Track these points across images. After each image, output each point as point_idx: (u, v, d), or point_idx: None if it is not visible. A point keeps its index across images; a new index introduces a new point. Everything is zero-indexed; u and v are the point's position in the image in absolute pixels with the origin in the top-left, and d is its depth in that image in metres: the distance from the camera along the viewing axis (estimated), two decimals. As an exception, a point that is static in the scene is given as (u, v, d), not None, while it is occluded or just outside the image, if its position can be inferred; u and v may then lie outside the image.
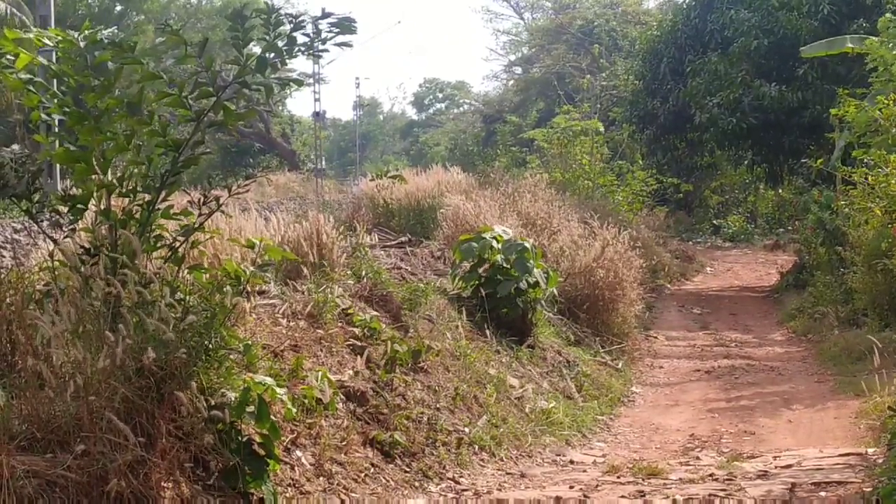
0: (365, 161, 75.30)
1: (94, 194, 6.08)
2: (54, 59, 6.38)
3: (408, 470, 7.45)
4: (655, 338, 16.45)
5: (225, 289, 5.96)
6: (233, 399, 5.67)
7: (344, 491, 6.59)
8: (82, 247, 6.00)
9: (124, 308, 5.47)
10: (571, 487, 7.53)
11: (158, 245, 6.10)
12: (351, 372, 8.00)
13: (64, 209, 6.22)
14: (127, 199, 6.04)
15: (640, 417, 11.07)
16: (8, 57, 6.02)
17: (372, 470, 7.11)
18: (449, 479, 7.63)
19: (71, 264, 5.88)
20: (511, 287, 11.48)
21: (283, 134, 52.68)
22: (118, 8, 46.85)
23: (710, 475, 7.83)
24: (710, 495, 7.03)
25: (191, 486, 5.43)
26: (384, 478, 7.14)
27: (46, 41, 6.01)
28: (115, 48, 5.93)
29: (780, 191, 27.37)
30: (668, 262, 24.18)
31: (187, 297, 5.82)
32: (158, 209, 6.09)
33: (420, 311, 10.15)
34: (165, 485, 5.26)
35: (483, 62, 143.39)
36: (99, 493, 5.00)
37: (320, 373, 7.10)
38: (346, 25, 6.23)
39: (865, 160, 14.23)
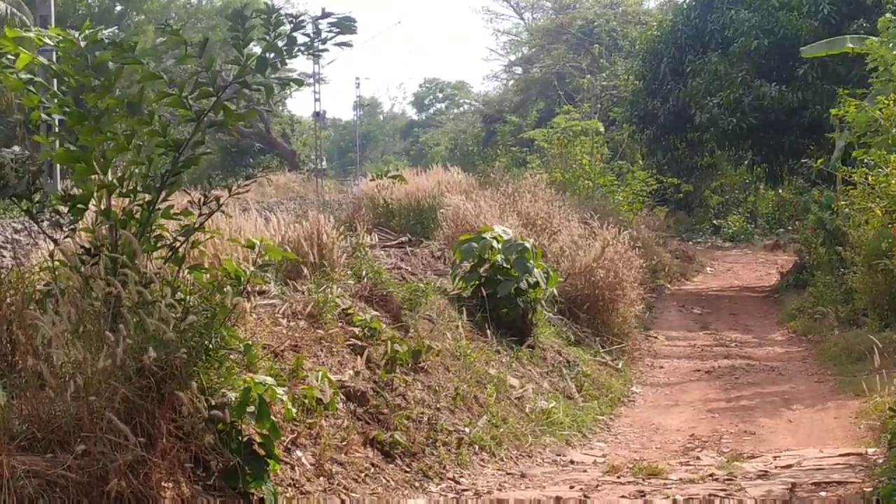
0: (365, 161, 75.33)
1: (95, 194, 6.08)
2: (54, 59, 6.38)
3: (408, 470, 7.45)
4: (655, 338, 16.45)
5: (225, 289, 5.96)
6: (233, 399, 5.67)
7: (344, 491, 6.59)
8: (82, 247, 6.00)
9: (125, 308, 5.47)
10: (572, 487, 7.53)
11: (159, 245, 6.10)
12: (351, 372, 8.00)
13: (64, 209, 6.22)
14: (127, 199, 6.04)
15: (641, 417, 11.08)
16: (8, 56, 6.02)
17: (372, 470, 7.11)
18: (449, 479, 7.63)
19: (71, 264, 5.88)
20: (511, 287, 11.48)
21: (283, 134, 52.71)
22: (118, 8, 46.87)
23: (711, 475, 7.83)
24: (710, 495, 7.03)
25: (191, 486, 5.43)
26: (384, 478, 7.14)
27: (47, 41, 6.01)
28: (115, 48, 5.93)
29: (781, 191, 27.39)
30: (668, 262, 24.18)
31: (188, 297, 5.82)
32: (159, 209, 6.09)
33: (420, 311, 10.16)
34: (166, 485, 5.26)
35: (483, 62, 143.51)
36: (99, 493, 5.00)
37: (320, 373, 7.11)
38: (346, 25, 6.23)
39: (865, 160, 14.23)
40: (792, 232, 24.84)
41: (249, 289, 6.30)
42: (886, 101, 13.93)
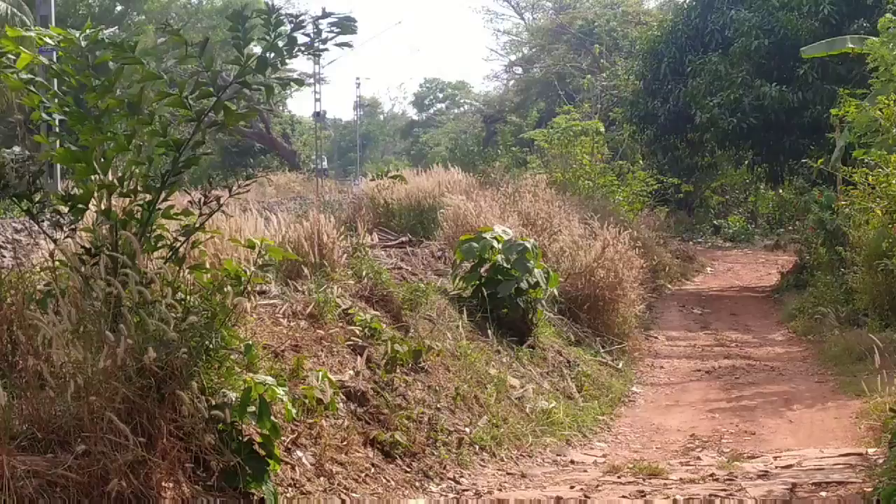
0: (365, 161, 75.39)
1: (95, 194, 6.08)
2: (55, 59, 6.38)
3: (408, 470, 7.45)
4: (656, 338, 16.46)
5: (226, 289, 5.96)
6: (233, 399, 5.67)
7: (344, 491, 6.59)
8: (83, 247, 6.00)
9: (125, 308, 5.47)
10: (572, 487, 7.53)
11: (159, 245, 6.09)
12: (351, 372, 8.00)
13: (64, 209, 6.22)
14: (127, 199, 6.04)
15: (641, 417, 11.08)
16: (9, 56, 6.02)
17: (372, 470, 7.11)
18: (449, 479, 7.63)
19: (71, 264, 5.89)
20: (512, 287, 11.48)
21: (283, 134, 52.75)
22: (118, 8, 46.89)
23: (711, 475, 7.84)
24: (710, 495, 7.04)
25: (191, 486, 5.44)
26: (385, 478, 7.14)
27: (48, 40, 6.01)
28: (115, 48, 5.93)
29: (781, 191, 27.38)
30: (668, 263, 24.18)
31: (188, 297, 5.82)
32: (159, 209, 6.09)
33: (421, 311, 10.15)
34: (166, 485, 5.26)
35: (483, 62, 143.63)
36: (99, 493, 5.00)
37: (321, 373, 7.11)
38: (346, 25, 6.23)
39: (866, 160, 14.25)
40: (792, 232, 24.85)
41: (250, 289, 6.28)
42: (887, 101, 13.95)
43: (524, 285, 11.59)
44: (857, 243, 14.88)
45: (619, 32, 43.38)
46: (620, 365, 13.18)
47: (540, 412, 9.83)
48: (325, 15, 6.20)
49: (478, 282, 11.67)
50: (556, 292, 12.72)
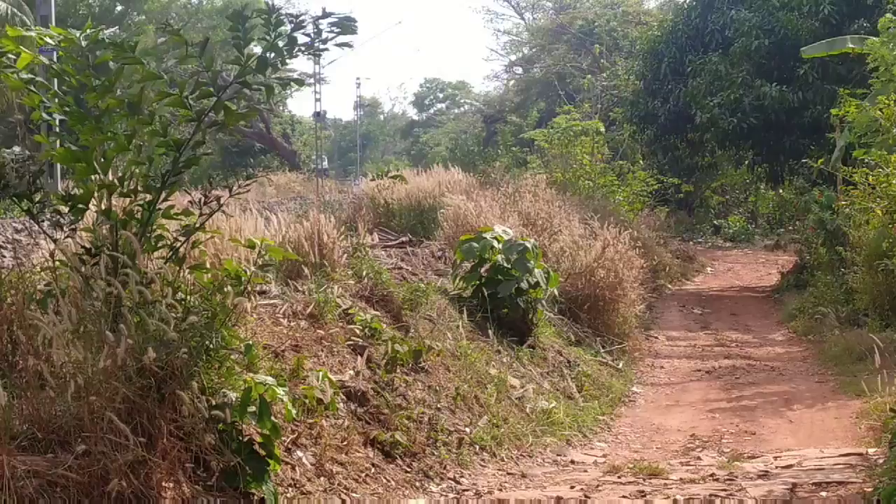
0: (365, 161, 75.40)
1: (95, 194, 6.08)
2: (55, 59, 6.38)
3: (409, 470, 7.45)
4: (656, 338, 16.46)
5: (226, 289, 5.96)
6: (234, 399, 5.67)
7: (345, 491, 6.59)
8: (83, 247, 6.00)
9: (125, 308, 5.47)
10: (572, 487, 7.53)
11: (159, 245, 6.09)
12: (352, 372, 8.00)
13: (65, 209, 6.22)
14: (128, 199, 6.04)
15: (641, 417, 11.07)
16: (9, 56, 6.02)
17: (373, 470, 7.11)
18: (450, 479, 7.63)
19: (72, 264, 5.88)
20: (512, 287, 11.47)
21: (283, 134, 52.76)
22: (118, 8, 46.89)
23: (711, 475, 7.84)
24: (711, 495, 7.04)
25: (191, 486, 5.44)
26: (385, 478, 7.14)
27: (48, 40, 6.01)
28: (116, 48, 5.93)
29: (781, 191, 27.39)
30: (668, 263, 24.18)
31: (188, 297, 5.82)
32: (159, 209, 6.08)
33: (421, 311, 10.15)
34: (166, 485, 5.26)
35: (484, 62, 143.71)
36: (100, 493, 5.00)
37: (321, 373, 7.10)
38: (346, 25, 6.22)
39: (866, 160, 14.25)
40: (792, 232, 24.84)
41: (250, 289, 6.28)
42: (887, 101, 13.94)
43: (524, 285, 11.59)
44: (857, 243, 14.88)
45: (619, 32, 43.38)
46: (621, 365, 13.18)
47: (540, 412, 9.83)
48: (326, 15, 6.20)
49: (478, 282, 11.67)
50: (556, 292, 12.72)
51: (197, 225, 6.15)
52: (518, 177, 22.15)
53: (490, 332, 11.11)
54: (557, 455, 9.01)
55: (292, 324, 8.10)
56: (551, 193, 18.68)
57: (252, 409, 5.72)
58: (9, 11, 26.69)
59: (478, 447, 8.39)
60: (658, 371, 13.89)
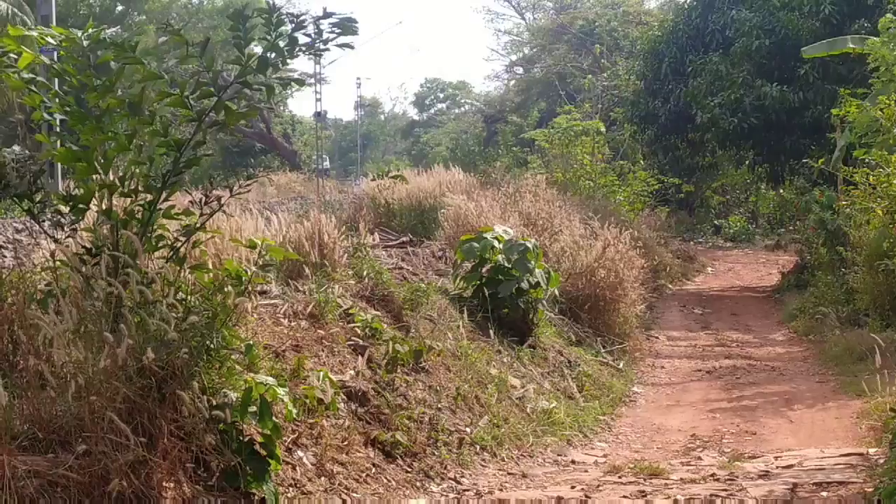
0: (366, 161, 75.39)
1: (96, 194, 6.08)
2: (56, 59, 6.38)
3: (409, 470, 7.45)
4: (657, 338, 16.46)
5: (227, 289, 5.96)
6: (234, 399, 5.67)
7: (345, 491, 6.59)
8: (84, 247, 6.00)
9: (126, 308, 5.47)
10: (573, 487, 7.53)
11: (160, 245, 6.09)
12: (352, 372, 8.00)
13: (65, 209, 6.22)
14: (128, 199, 6.04)
15: (642, 417, 11.07)
16: (10, 56, 6.02)
17: (373, 470, 7.11)
18: (450, 479, 7.63)
19: (72, 264, 5.88)
20: (512, 287, 11.47)
21: (284, 134, 52.75)
22: (119, 8, 46.91)
23: (712, 475, 7.83)
24: (711, 495, 7.04)
25: (192, 486, 5.44)
26: (385, 478, 7.14)
27: (50, 40, 6.01)
28: (116, 48, 5.93)
29: (782, 191, 27.36)
30: (669, 263, 24.17)
31: (189, 297, 5.83)
32: (160, 209, 6.09)
33: (421, 311, 10.15)
34: (167, 485, 5.26)
35: (484, 62, 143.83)
36: (100, 493, 5.00)
37: (322, 373, 7.10)
38: (347, 26, 6.23)
39: (867, 160, 14.24)
40: (793, 232, 24.83)
41: (251, 289, 6.29)
42: (887, 101, 13.94)
43: (525, 285, 11.59)
44: (857, 243, 14.88)
45: (619, 32, 43.39)
46: (621, 365, 13.18)
47: (541, 412, 9.83)
48: (327, 15, 6.20)
49: (479, 282, 11.67)
50: (556, 292, 12.72)
51: (197, 225, 6.16)
52: (519, 177, 22.15)
53: (491, 332, 11.11)
54: (558, 455, 9.01)
55: (293, 324, 8.10)
56: (552, 193, 18.67)
57: (253, 409, 5.72)
58: (9, 11, 26.69)
59: (478, 447, 8.39)
60: (659, 371, 13.89)
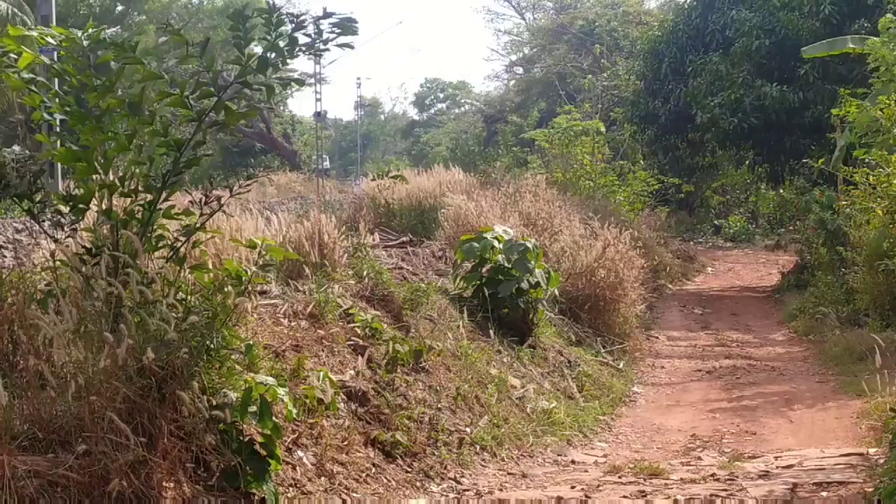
0: (366, 161, 75.40)
1: (96, 194, 6.08)
2: (56, 59, 6.38)
3: (409, 470, 7.45)
4: (657, 338, 16.45)
5: (227, 289, 5.96)
6: (234, 399, 5.67)
7: (345, 491, 6.59)
8: (84, 247, 6.00)
9: (126, 308, 5.47)
10: (573, 487, 7.53)
11: (160, 245, 6.09)
12: (352, 372, 8.00)
13: (65, 209, 6.22)
14: (128, 199, 6.04)
15: (642, 417, 11.07)
16: (10, 56, 6.02)
17: (373, 470, 7.11)
18: (450, 479, 7.63)
19: (72, 264, 5.88)
20: (512, 287, 11.47)
21: (284, 134, 52.75)
22: (119, 8, 46.91)
23: (712, 475, 7.83)
24: (711, 495, 7.04)
25: (192, 486, 5.44)
26: (385, 478, 7.14)
27: (50, 40, 6.01)
28: (116, 48, 5.93)
29: (782, 191, 27.38)
30: (669, 263, 24.18)
31: (189, 297, 5.83)
32: (160, 209, 6.09)
33: (421, 311, 10.15)
34: (167, 485, 5.26)
35: (484, 62, 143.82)
36: (100, 492, 5.00)
37: (322, 373, 7.11)
38: (347, 26, 6.22)
39: (867, 160, 14.24)
40: (793, 232, 24.84)
41: (251, 289, 6.29)
42: (887, 101, 13.94)
43: (525, 285, 11.59)
44: (857, 243, 14.88)
45: (619, 32, 43.39)
46: (621, 365, 13.18)
47: (541, 412, 9.83)
48: (327, 15, 6.20)
49: (479, 282, 11.67)
50: (556, 292, 12.72)
51: (197, 225, 6.16)
52: (519, 177, 22.16)
53: (491, 332, 11.11)
54: (558, 455, 9.01)
55: (293, 324, 8.10)
56: (552, 193, 18.68)
57: (253, 409, 5.72)
58: (9, 11, 26.70)
59: (478, 447, 8.39)
60: (659, 371, 13.89)
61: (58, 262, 6.07)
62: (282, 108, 54.01)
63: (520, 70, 57.52)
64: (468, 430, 8.52)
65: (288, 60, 6.19)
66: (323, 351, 8.05)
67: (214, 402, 5.60)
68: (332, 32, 6.21)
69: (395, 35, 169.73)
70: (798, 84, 21.79)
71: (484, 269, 11.70)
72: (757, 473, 7.81)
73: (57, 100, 6.08)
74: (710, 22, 24.40)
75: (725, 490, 7.26)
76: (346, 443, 7.05)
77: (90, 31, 5.98)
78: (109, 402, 5.18)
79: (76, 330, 5.40)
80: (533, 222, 15.22)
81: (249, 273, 6.18)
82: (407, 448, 7.59)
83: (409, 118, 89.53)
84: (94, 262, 5.77)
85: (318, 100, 41.81)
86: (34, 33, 6.09)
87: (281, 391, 5.90)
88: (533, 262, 11.59)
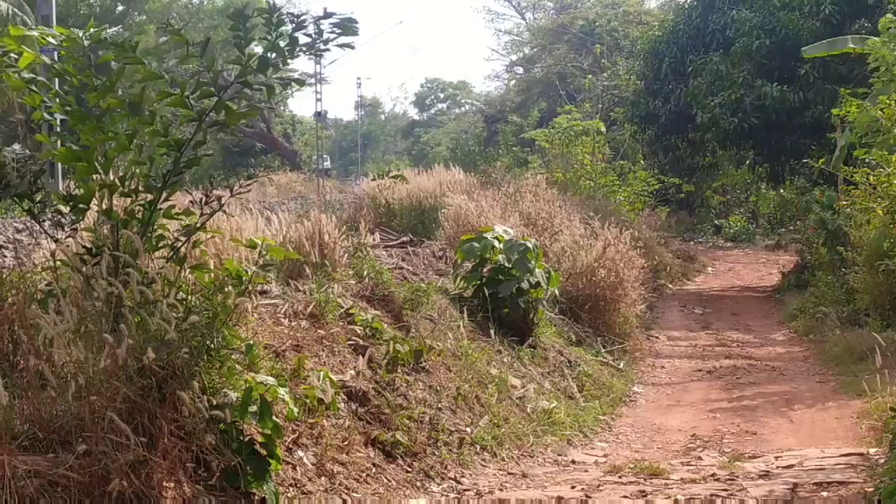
0: (366, 161, 75.42)
1: (96, 194, 6.08)
2: (56, 59, 6.38)
3: (409, 470, 7.45)
4: (657, 338, 16.45)
5: (227, 289, 5.96)
6: (234, 399, 5.67)
7: (346, 491, 6.59)
8: (84, 246, 6.00)
9: (126, 308, 5.47)
10: (573, 487, 7.53)
11: (160, 245, 6.10)
12: (353, 372, 8.00)
13: (66, 209, 6.22)
14: (129, 199, 6.04)
15: (642, 417, 11.07)
16: (10, 56, 6.02)
17: (374, 470, 7.11)
18: (451, 478, 7.63)
19: (73, 264, 5.88)
20: (513, 287, 11.48)
21: (284, 134, 52.77)
22: (119, 8, 46.92)
23: (712, 475, 7.83)
24: (711, 495, 7.04)
25: (192, 485, 5.44)
26: (386, 478, 7.14)
27: (51, 40, 6.01)
28: (117, 48, 5.94)
29: (782, 191, 27.38)
30: (669, 262, 24.18)
31: (189, 297, 5.83)
32: (160, 209, 6.09)
33: (422, 311, 10.15)
34: (167, 484, 5.26)
35: (485, 62, 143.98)
36: (101, 492, 5.00)
37: (322, 373, 7.11)
38: (347, 26, 6.22)
39: (867, 160, 14.24)
40: (793, 232, 24.83)
41: (251, 288, 6.29)
42: (888, 101, 13.93)
43: (525, 285, 11.59)
44: (858, 243, 14.88)
45: (620, 32, 43.39)
46: (621, 365, 13.18)
47: (541, 412, 9.83)
48: (327, 15, 6.20)
49: (479, 282, 11.67)
50: (556, 292, 12.72)
51: (198, 225, 6.16)
52: (519, 177, 22.17)
53: (491, 331, 11.11)
54: (558, 455, 9.01)
55: (293, 323, 8.10)
56: (552, 193, 18.68)
57: (253, 408, 5.72)
58: (9, 11, 26.71)
59: (479, 447, 8.39)
60: (659, 371, 13.89)
61: (58, 262, 6.07)
62: (282, 108, 54.03)
63: (520, 70, 57.55)
64: (468, 429, 8.52)
65: (288, 60, 6.19)
66: (323, 351, 8.05)
67: (215, 402, 5.60)
68: (333, 32, 6.21)
69: (396, 35, 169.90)
70: (798, 84, 21.79)
71: (484, 269, 11.70)
72: (757, 473, 7.81)
73: (57, 100, 6.08)
74: (711, 22, 24.40)
75: (726, 490, 7.26)
76: (346, 443, 7.05)
77: (91, 30, 5.99)
78: (110, 401, 5.18)
79: (76, 330, 5.41)
80: (533, 222, 15.22)
81: (250, 273, 6.18)
82: (407, 448, 7.59)
83: (409, 118, 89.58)
84: (95, 261, 5.77)
85: (318, 100, 41.81)
86: (35, 33, 6.09)
87: (282, 391, 5.90)
88: (533, 262, 11.59)
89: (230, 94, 6.05)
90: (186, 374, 5.47)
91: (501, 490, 7.51)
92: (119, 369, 5.21)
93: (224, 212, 6.49)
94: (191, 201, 6.30)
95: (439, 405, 8.60)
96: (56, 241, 6.21)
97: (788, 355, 14.66)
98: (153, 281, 5.66)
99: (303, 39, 6.18)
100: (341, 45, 6.30)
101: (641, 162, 29.52)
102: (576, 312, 13.68)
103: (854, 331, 14.14)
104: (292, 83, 6.75)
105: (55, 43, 6.04)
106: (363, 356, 8.25)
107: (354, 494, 6.60)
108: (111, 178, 6.08)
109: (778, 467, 8.04)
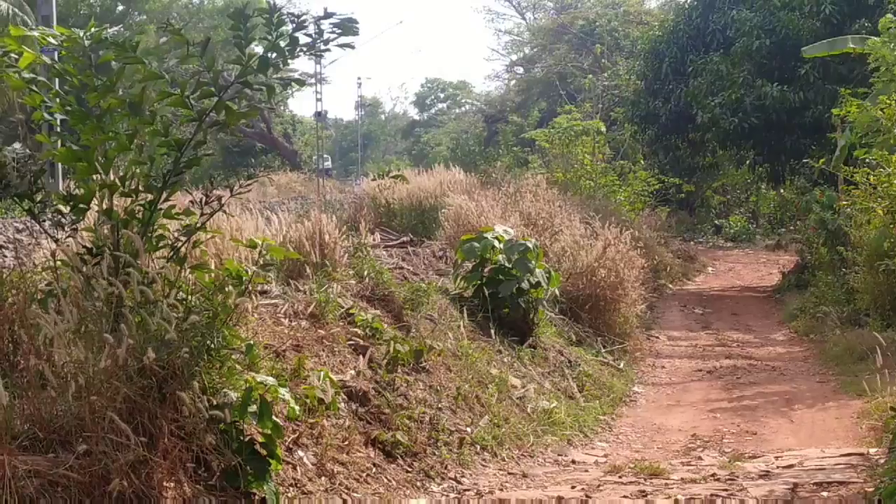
0: (367, 161, 75.45)
1: (97, 194, 6.08)
2: (56, 59, 6.38)
3: (410, 470, 7.45)
4: (657, 338, 16.45)
5: (227, 288, 5.96)
6: (235, 399, 5.67)
7: (346, 491, 6.59)
8: (84, 246, 6.00)
9: (126, 308, 5.47)
10: (573, 487, 7.53)
11: (161, 245, 6.09)
12: (353, 372, 8.00)
13: (66, 209, 6.22)
14: (129, 199, 6.04)
15: (642, 417, 11.07)
16: (11, 56, 6.03)
17: (374, 470, 7.11)
18: (451, 478, 7.63)
19: (73, 264, 5.88)
20: (513, 287, 11.48)
21: (284, 134, 52.78)
22: (120, 8, 46.93)
23: (712, 475, 7.83)
24: (712, 495, 7.04)
25: (193, 485, 5.44)
26: (386, 478, 7.14)
27: (51, 40, 6.01)
28: (117, 48, 5.94)
29: (782, 191, 27.39)
30: (669, 262, 24.17)
31: (189, 297, 5.82)
32: (160, 209, 6.09)
33: (422, 311, 10.16)
34: (167, 484, 5.26)
35: (485, 62, 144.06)
36: (101, 492, 5.00)
37: (322, 373, 7.11)
38: (348, 26, 6.22)
39: (867, 160, 14.25)
40: (793, 232, 24.84)
41: (251, 288, 6.29)
42: (888, 101, 13.93)
43: (525, 285, 11.59)
44: (858, 243, 14.88)
45: (620, 32, 43.40)
46: (622, 365, 13.17)
47: (541, 412, 9.83)
48: (327, 15, 6.20)
49: (479, 282, 11.67)
50: (557, 292, 12.72)
51: (198, 225, 6.16)
52: (519, 176, 22.17)
53: (491, 331, 11.11)
54: (558, 455, 9.01)
55: (293, 323, 8.10)
56: (552, 193, 18.67)
57: (253, 408, 5.72)
58: (10, 11, 26.71)
59: (479, 447, 8.39)
60: (659, 371, 13.89)
61: (58, 262, 6.06)
62: (282, 107, 54.04)
63: (520, 70, 57.56)
64: (469, 429, 8.52)
65: (289, 60, 6.19)
66: (323, 351, 8.05)
67: (215, 402, 5.60)
68: (333, 32, 6.21)
69: (396, 35, 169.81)
70: (798, 84, 21.79)
71: (484, 269, 11.70)
72: (757, 473, 7.81)
73: (58, 100, 6.08)
74: (711, 22, 24.40)
75: (726, 490, 7.26)
76: (346, 443, 7.05)
77: (91, 30, 5.99)
78: (110, 401, 5.18)
79: (77, 330, 5.40)
80: (533, 222, 15.21)
81: (250, 273, 6.18)
82: (407, 448, 7.59)
83: (409, 118, 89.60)
84: (95, 261, 5.77)
85: (318, 100, 41.79)
86: (35, 33, 6.10)
87: (283, 391, 5.90)
88: (533, 262, 11.59)
89: (230, 94, 6.05)
90: (186, 374, 5.47)
91: (501, 490, 7.51)
92: (119, 369, 5.21)
93: (224, 212, 6.49)
94: (191, 201, 6.30)
95: (439, 405, 8.60)
96: (56, 241, 6.21)
97: (788, 355, 14.66)
98: (153, 281, 5.66)
99: (303, 39, 6.19)
100: (341, 45, 6.30)
101: (641, 162, 29.53)
102: (576, 312, 13.68)
103: (854, 331, 14.14)
104: (292, 83, 6.75)
105: (55, 43, 6.04)
106: (363, 356, 8.25)
107: (354, 494, 6.60)
108: (111, 178, 6.08)
109: (778, 467, 8.04)
